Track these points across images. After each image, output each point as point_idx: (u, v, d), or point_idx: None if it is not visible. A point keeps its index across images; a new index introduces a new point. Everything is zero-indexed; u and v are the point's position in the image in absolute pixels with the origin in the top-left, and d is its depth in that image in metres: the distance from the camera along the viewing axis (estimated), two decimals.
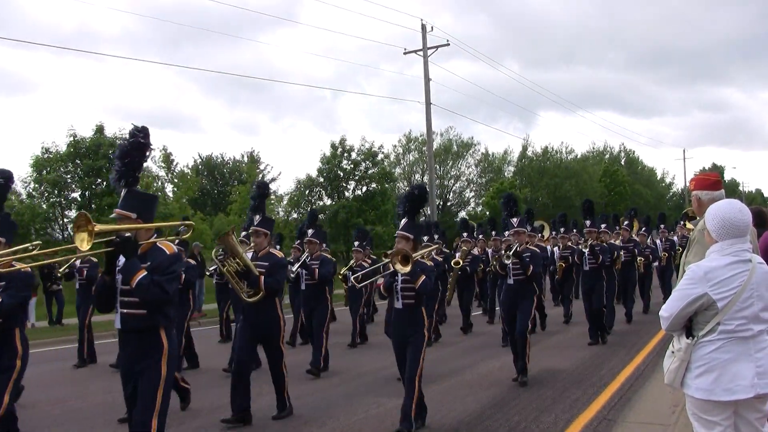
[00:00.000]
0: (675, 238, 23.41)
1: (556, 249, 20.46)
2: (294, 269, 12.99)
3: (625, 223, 19.13)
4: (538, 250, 11.69)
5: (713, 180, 6.04)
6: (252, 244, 9.50)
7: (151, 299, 5.58)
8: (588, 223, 15.54)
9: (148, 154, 6.28)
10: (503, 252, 11.83)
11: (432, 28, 35.14)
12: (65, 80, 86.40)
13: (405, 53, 35.89)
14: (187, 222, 8.27)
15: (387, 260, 8.54)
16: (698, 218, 5.95)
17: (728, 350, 4.33)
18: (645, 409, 8.87)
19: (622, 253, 17.38)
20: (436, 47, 35.14)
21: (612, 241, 17.09)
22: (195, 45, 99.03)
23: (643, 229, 21.01)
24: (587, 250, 14.83)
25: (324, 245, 13.87)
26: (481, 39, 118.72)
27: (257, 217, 9.39)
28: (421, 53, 35.03)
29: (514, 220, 11.34)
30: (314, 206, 46.12)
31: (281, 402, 9.07)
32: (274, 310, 8.97)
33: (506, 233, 14.46)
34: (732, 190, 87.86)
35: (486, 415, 8.81)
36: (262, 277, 8.82)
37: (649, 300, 20.06)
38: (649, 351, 13.05)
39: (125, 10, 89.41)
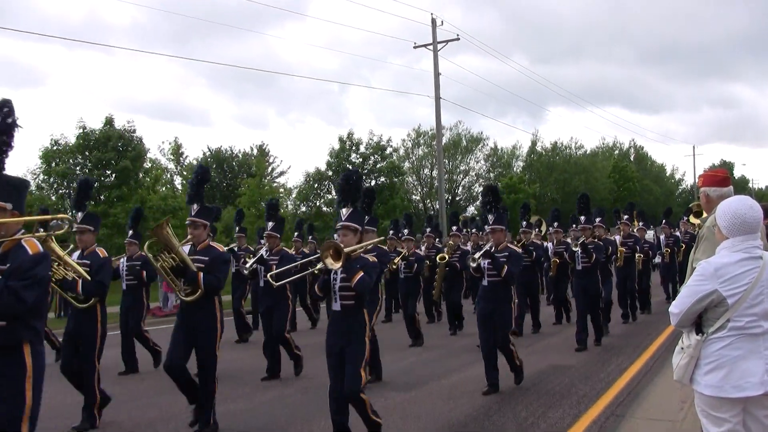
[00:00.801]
0: (678, 234, 22.69)
1: (550, 245, 18.51)
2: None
3: (625, 217, 18.52)
4: (518, 250, 10.38)
5: (722, 176, 6.01)
6: (190, 237, 8.36)
7: (2, 310, 4.64)
8: (583, 219, 14.19)
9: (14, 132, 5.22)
10: (471, 253, 11.99)
11: (442, 22, 35.06)
12: (75, 72, 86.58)
13: (415, 47, 35.89)
14: (61, 216, 7.19)
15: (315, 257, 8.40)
16: (706, 215, 5.93)
17: (738, 347, 4.31)
18: (653, 405, 8.86)
19: (622, 249, 17.04)
20: (446, 42, 35.12)
21: (610, 237, 16.61)
22: (203, 38, 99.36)
23: (641, 224, 20.40)
24: (578, 248, 13.56)
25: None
26: (489, 34, 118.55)
27: (195, 207, 8.38)
28: (430, 47, 34.98)
29: (491, 216, 10.26)
30: (323, 200, 46.21)
31: (204, 416, 8.00)
32: (212, 311, 8.04)
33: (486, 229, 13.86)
34: (741, 186, 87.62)
35: (493, 411, 8.80)
36: (201, 273, 7.90)
37: (647, 298, 18.99)
38: (658, 347, 13.01)
39: (134, 2, 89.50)
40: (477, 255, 10.16)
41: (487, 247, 10.18)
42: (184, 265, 7.90)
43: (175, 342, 8.01)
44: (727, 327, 4.33)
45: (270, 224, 11.81)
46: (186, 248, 8.23)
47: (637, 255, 17.96)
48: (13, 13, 73.32)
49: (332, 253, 7.03)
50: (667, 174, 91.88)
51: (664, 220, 22.48)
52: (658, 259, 21.93)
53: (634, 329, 15.67)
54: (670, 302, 18.19)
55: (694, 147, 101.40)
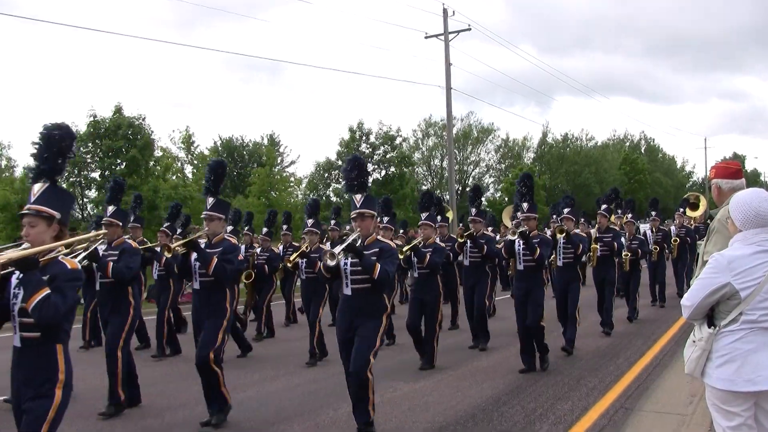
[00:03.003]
0: (672, 227, 20.61)
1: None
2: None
3: (603, 207, 14.92)
4: (549, 237, 11.35)
5: (734, 169, 5.96)
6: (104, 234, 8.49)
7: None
8: (566, 211, 13.24)
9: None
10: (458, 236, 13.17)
11: (453, 12, 34.92)
12: (85, 60, 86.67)
13: (426, 37, 35.74)
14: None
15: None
16: (718, 207, 5.88)
17: (750, 340, 4.28)
18: (662, 398, 8.83)
19: (595, 246, 14.21)
20: (458, 32, 34.97)
21: (582, 232, 14.63)
22: (213, 25, 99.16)
23: (629, 216, 16.99)
24: (517, 238, 10.80)
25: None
26: (496, 24, 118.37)
27: (110, 208, 9.30)
28: (442, 38, 34.86)
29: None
30: (328, 190, 46.22)
31: (113, 395, 8.56)
32: (124, 299, 8.86)
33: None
34: (753, 179, 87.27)
35: (502, 402, 8.79)
36: (111, 263, 8.74)
37: (635, 304, 16.10)
38: (667, 340, 12.96)
39: None
40: (517, 231, 10.73)
41: (523, 228, 10.69)
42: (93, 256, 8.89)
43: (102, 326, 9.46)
44: (739, 320, 4.30)
45: (310, 221, 12.33)
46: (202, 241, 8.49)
47: (624, 253, 15.55)
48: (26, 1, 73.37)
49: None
50: (678, 166, 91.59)
51: (653, 213, 19.92)
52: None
53: (644, 322, 15.59)
54: (654, 304, 17.01)
55: (705, 139, 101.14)
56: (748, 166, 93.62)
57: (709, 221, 21.07)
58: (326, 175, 49.71)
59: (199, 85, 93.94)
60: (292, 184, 46.13)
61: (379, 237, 7.56)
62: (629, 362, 11.11)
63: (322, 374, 10.79)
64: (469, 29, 35.10)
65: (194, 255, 8.06)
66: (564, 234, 12.33)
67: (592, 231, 15.05)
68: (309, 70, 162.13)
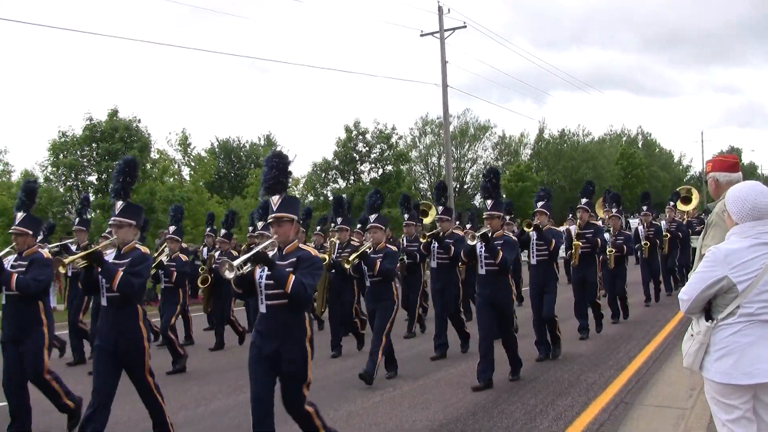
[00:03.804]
0: (663, 222, 19.68)
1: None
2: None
3: (583, 201, 13.69)
4: (514, 238, 10.27)
5: (732, 162, 5.97)
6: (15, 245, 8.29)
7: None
8: (540, 204, 11.78)
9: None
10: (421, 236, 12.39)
11: (449, 10, 34.92)
12: (81, 63, 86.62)
13: (422, 35, 35.70)
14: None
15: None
16: (715, 201, 5.88)
17: (748, 333, 4.28)
18: (662, 392, 8.84)
19: (578, 243, 13.30)
20: (453, 29, 34.94)
21: (556, 227, 12.87)
22: (207, 26, 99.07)
23: (615, 210, 16.19)
24: (478, 242, 9.65)
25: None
26: (492, 21, 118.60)
27: (19, 215, 8.33)
28: (437, 35, 34.85)
29: (440, 208, 10.96)
30: (329, 189, 46.26)
31: (64, 409, 8.17)
32: (35, 314, 7.96)
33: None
34: (750, 172, 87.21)
35: (502, 399, 8.79)
36: (15, 275, 7.85)
37: (624, 302, 15.26)
38: (666, 335, 12.98)
39: None
40: (476, 235, 9.58)
41: (484, 230, 9.67)
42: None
43: None
44: (737, 313, 4.30)
45: (339, 219, 12.47)
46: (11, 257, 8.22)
47: (609, 250, 14.85)
48: (21, 2, 73.31)
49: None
50: (675, 160, 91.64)
51: (644, 207, 18.87)
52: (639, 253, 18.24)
53: (643, 317, 15.57)
54: (648, 304, 16.31)
55: (702, 133, 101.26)
56: (745, 159, 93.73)
57: (703, 215, 20.78)
58: (323, 175, 49.67)
59: (194, 86, 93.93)
60: (289, 184, 46.18)
61: (303, 245, 6.41)
62: (629, 357, 11.12)
63: (321, 374, 10.76)
64: (465, 27, 35.09)
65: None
66: (532, 228, 11.21)
67: (573, 227, 14.09)
68: (304, 69, 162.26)
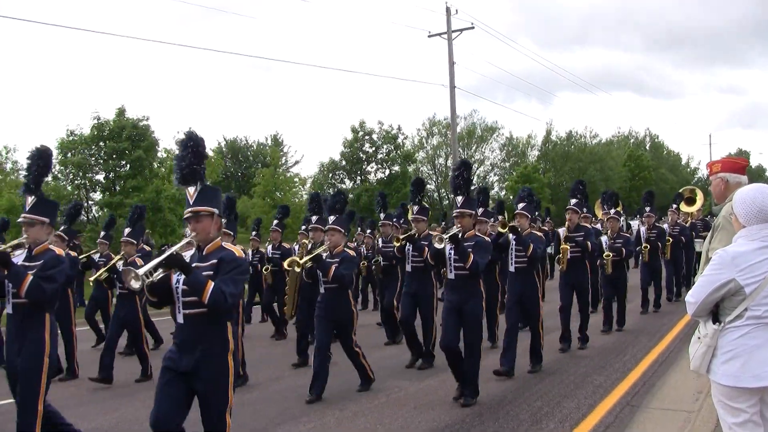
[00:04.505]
0: (665, 226, 18.50)
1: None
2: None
3: (573, 201, 12.71)
4: (487, 239, 9.30)
5: (742, 164, 5.96)
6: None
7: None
8: (521, 206, 10.89)
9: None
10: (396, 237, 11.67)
11: (456, 11, 34.86)
12: (89, 62, 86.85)
13: (429, 36, 35.66)
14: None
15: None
16: (719, 204, 5.86)
17: (756, 336, 4.27)
18: (668, 395, 8.81)
19: (566, 246, 12.28)
20: (461, 30, 34.89)
21: (539, 230, 12.93)
22: (215, 25, 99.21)
23: (613, 211, 15.21)
24: (446, 245, 8.80)
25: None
26: (498, 22, 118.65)
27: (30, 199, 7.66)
28: (445, 36, 34.80)
29: (415, 207, 10.12)
30: (336, 190, 46.31)
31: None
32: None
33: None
34: (758, 174, 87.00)
35: (508, 401, 8.78)
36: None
37: (623, 311, 14.19)
38: (673, 337, 12.94)
39: None
40: (444, 237, 8.67)
41: (453, 230, 8.77)
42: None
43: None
44: (744, 316, 4.29)
45: (314, 218, 12.10)
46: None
47: (606, 254, 13.85)
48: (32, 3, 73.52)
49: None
50: (683, 162, 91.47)
51: (647, 208, 17.83)
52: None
53: (650, 320, 15.52)
54: (645, 311, 15.80)
55: (710, 135, 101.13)
56: (753, 162, 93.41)
57: (707, 218, 20.17)
58: (330, 175, 49.74)
59: (202, 86, 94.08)
60: (296, 184, 46.18)
61: (227, 244, 5.60)
62: (635, 360, 11.10)
63: (348, 368, 10.78)
64: (473, 28, 35.04)
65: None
66: (508, 229, 10.30)
67: (561, 230, 12.77)
68: (312, 69, 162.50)
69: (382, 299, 13.12)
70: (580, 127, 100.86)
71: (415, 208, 10.90)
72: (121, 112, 32.39)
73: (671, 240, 17.60)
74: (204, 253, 5.45)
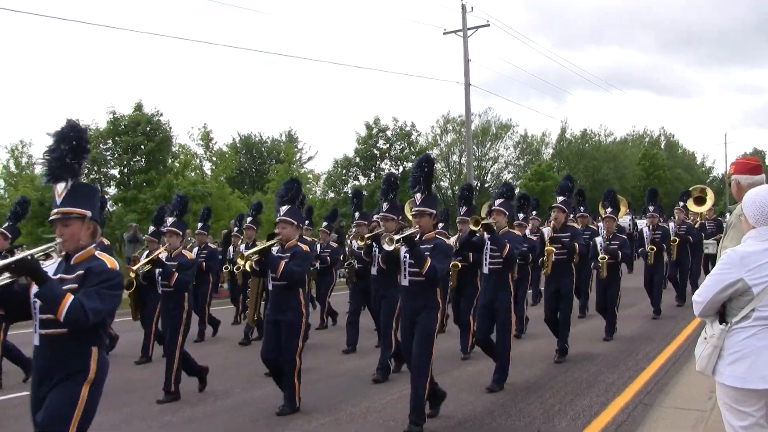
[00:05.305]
0: (671, 225, 17.76)
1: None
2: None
3: (559, 199, 11.62)
4: (448, 242, 8.32)
5: (754, 164, 5.95)
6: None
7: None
8: (498, 202, 9.83)
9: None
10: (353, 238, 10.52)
11: (472, 8, 34.77)
12: (104, 57, 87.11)
13: (445, 33, 35.56)
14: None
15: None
16: (737, 203, 5.86)
17: (763, 337, 4.28)
18: (681, 394, 8.81)
19: (551, 248, 11.24)
20: (476, 28, 34.81)
21: (523, 234, 11.35)
22: (229, 21, 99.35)
23: (609, 210, 13.87)
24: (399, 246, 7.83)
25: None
26: (512, 19, 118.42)
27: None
28: (460, 34, 34.73)
29: (385, 205, 9.02)
30: (350, 186, 46.37)
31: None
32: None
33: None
34: None
35: (520, 398, 8.80)
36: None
37: (613, 317, 13.15)
38: (686, 337, 12.91)
39: None
40: (396, 237, 7.59)
41: (410, 231, 7.77)
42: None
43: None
44: (751, 317, 4.30)
45: (249, 219, 12.70)
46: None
47: (601, 257, 13.07)
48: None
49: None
50: (698, 162, 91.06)
51: (651, 207, 16.83)
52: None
53: (663, 320, 15.45)
54: (657, 317, 15.32)
55: (725, 135, 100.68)
56: None
57: (720, 218, 19.43)
58: (344, 171, 49.77)
59: (217, 82, 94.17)
60: (310, 180, 46.22)
61: (100, 253, 4.72)
62: (648, 358, 11.09)
63: (340, 370, 10.83)
64: (488, 25, 34.94)
65: None
66: (481, 227, 9.26)
67: (546, 229, 11.79)
68: (327, 66, 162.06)
69: (363, 305, 12.74)
70: (595, 125, 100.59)
71: (385, 205, 9.27)
72: (138, 107, 32.46)
73: (677, 240, 16.78)
74: (72, 262, 4.65)
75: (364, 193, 39.89)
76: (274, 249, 8.56)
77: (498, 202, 9.80)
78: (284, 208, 8.62)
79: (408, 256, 7.66)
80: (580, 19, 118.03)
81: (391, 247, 7.40)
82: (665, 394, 8.87)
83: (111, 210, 33.00)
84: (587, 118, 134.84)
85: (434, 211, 7.96)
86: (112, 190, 33.48)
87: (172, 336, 9.32)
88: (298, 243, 8.60)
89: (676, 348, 11.88)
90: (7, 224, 10.97)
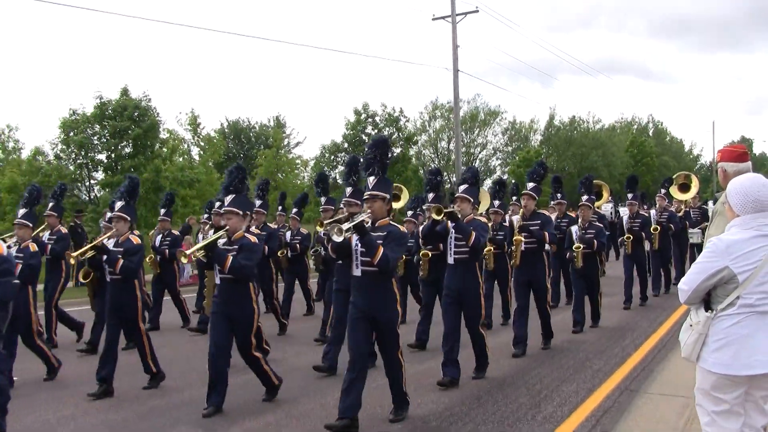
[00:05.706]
0: (652, 212, 17.10)
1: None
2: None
3: (530, 186, 11.13)
4: (403, 230, 7.57)
5: (740, 152, 5.97)
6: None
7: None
8: (462, 188, 9.19)
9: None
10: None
11: None
12: (91, 41, 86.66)
13: (434, 19, 35.52)
14: None
15: None
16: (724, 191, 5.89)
17: (747, 325, 4.31)
18: (668, 380, 8.85)
19: (519, 237, 10.85)
20: (465, 14, 34.76)
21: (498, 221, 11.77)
22: (218, 5, 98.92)
23: (585, 198, 13.26)
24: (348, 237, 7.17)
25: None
26: (501, 4, 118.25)
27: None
28: (449, 20, 34.66)
29: (348, 189, 8.83)
30: (338, 172, 46.28)
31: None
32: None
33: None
34: (761, 163, 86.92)
35: (507, 383, 8.84)
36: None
37: (596, 306, 12.96)
38: (673, 323, 12.97)
39: None
40: (344, 226, 7.00)
41: (360, 217, 7.15)
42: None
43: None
44: (737, 304, 4.32)
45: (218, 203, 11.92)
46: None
47: (576, 246, 12.51)
48: None
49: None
50: (686, 149, 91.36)
51: (630, 194, 16.04)
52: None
53: (650, 306, 15.51)
54: (628, 307, 15.01)
55: (713, 123, 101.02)
56: (756, 150, 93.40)
57: (704, 206, 19.20)
58: (332, 157, 49.78)
59: (204, 67, 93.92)
60: (298, 165, 46.18)
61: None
62: (635, 344, 11.15)
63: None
64: (477, 11, 34.90)
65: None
66: (444, 215, 8.65)
67: (515, 217, 11.40)
68: (316, 51, 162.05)
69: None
70: (584, 112, 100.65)
71: (348, 189, 9.10)
72: (125, 92, 32.30)
73: (659, 228, 16.34)
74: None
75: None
76: (221, 242, 8.05)
77: (462, 188, 9.22)
78: (229, 198, 8.13)
79: (359, 245, 7.12)
80: (571, 5, 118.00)
81: (340, 239, 6.85)
82: (651, 380, 8.91)
83: (98, 195, 32.89)
84: (576, 105, 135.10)
85: (388, 196, 7.34)
86: (99, 175, 33.35)
87: (131, 326, 9.09)
88: (246, 234, 8.14)
89: (662, 334, 11.94)
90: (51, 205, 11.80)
